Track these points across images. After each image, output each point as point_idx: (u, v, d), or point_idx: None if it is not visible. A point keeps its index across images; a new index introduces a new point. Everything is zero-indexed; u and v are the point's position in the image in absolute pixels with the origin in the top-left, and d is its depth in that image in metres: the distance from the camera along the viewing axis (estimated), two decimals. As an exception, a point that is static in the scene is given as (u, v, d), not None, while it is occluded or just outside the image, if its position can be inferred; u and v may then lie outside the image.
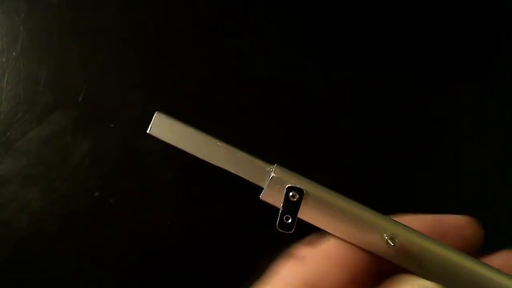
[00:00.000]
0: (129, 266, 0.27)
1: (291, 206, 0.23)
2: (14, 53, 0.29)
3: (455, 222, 0.24)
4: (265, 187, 0.23)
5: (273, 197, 0.23)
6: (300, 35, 0.32)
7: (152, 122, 0.24)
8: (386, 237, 0.22)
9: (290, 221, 0.22)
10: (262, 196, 0.23)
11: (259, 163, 0.24)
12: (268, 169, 0.23)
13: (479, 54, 0.34)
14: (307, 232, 0.28)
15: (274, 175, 0.23)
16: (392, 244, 0.22)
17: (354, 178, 0.30)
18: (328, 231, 0.23)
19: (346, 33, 0.33)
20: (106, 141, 0.28)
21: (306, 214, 0.23)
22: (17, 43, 0.29)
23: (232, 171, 0.24)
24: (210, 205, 0.28)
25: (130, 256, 0.27)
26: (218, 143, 0.24)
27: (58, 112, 0.28)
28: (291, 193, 0.23)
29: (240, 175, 0.23)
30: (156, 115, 0.24)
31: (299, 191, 0.23)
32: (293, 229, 0.22)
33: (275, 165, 0.24)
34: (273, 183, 0.23)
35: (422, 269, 0.22)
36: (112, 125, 0.28)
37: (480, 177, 0.31)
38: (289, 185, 0.23)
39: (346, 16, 0.33)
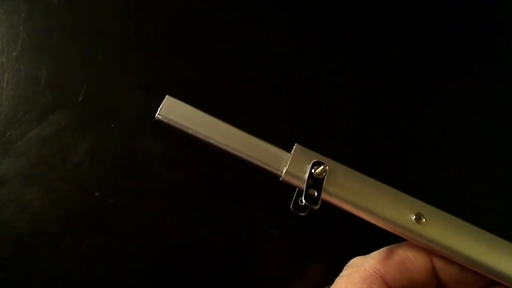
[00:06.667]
0: (129, 266, 0.27)
1: (317, 181, 0.22)
2: (14, 53, 0.29)
3: None
4: (289, 160, 0.23)
5: (296, 172, 0.23)
6: (301, 35, 0.32)
7: (162, 104, 0.23)
8: (414, 216, 0.22)
9: (316, 195, 0.22)
10: (290, 168, 0.23)
11: (276, 149, 0.23)
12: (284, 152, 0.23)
13: (479, 54, 0.34)
14: (310, 231, 0.28)
15: (297, 146, 0.23)
16: (419, 222, 0.22)
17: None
18: (352, 212, 0.22)
19: (346, 32, 0.33)
20: (106, 141, 0.28)
21: (329, 194, 0.22)
22: (17, 43, 0.29)
23: (249, 156, 0.23)
24: (210, 205, 0.28)
25: (130, 256, 0.27)
26: (235, 129, 0.23)
27: (58, 112, 0.28)
28: (315, 168, 0.22)
29: (258, 160, 0.23)
30: (166, 97, 0.23)
31: (323, 165, 0.23)
32: (319, 204, 0.22)
33: (297, 144, 0.23)
34: (296, 156, 0.23)
35: (448, 248, 0.22)
36: (112, 125, 0.28)
37: (480, 176, 0.31)
38: (314, 160, 0.23)
39: (346, 16, 0.33)
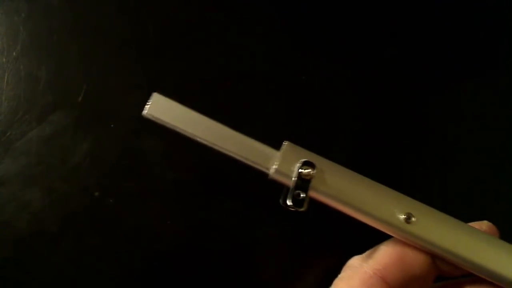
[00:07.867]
0: (129, 266, 0.27)
1: (304, 182, 0.22)
2: (14, 53, 0.29)
3: None
4: (278, 158, 0.22)
5: (284, 170, 0.22)
6: (301, 35, 0.32)
7: (150, 101, 0.23)
8: (403, 216, 0.22)
9: (302, 197, 0.22)
10: (279, 166, 0.22)
11: (265, 147, 0.23)
12: (274, 150, 0.23)
13: (479, 54, 0.34)
14: (310, 231, 0.28)
15: (287, 144, 0.23)
16: (409, 222, 0.22)
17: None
18: (341, 210, 0.22)
19: (346, 32, 0.33)
20: (106, 141, 0.28)
21: (319, 192, 0.22)
22: (17, 43, 0.29)
23: (237, 154, 0.23)
24: (210, 205, 0.28)
25: (130, 256, 0.27)
26: (223, 126, 0.23)
27: (58, 112, 0.28)
28: (304, 168, 0.22)
29: (246, 158, 0.23)
30: (154, 94, 0.23)
31: (312, 165, 0.22)
32: (305, 206, 0.22)
33: (287, 142, 0.23)
34: (286, 154, 0.22)
35: (439, 248, 0.22)
36: (112, 125, 0.28)
37: (479, 176, 0.31)
38: (303, 159, 0.22)
39: (346, 16, 0.33)
